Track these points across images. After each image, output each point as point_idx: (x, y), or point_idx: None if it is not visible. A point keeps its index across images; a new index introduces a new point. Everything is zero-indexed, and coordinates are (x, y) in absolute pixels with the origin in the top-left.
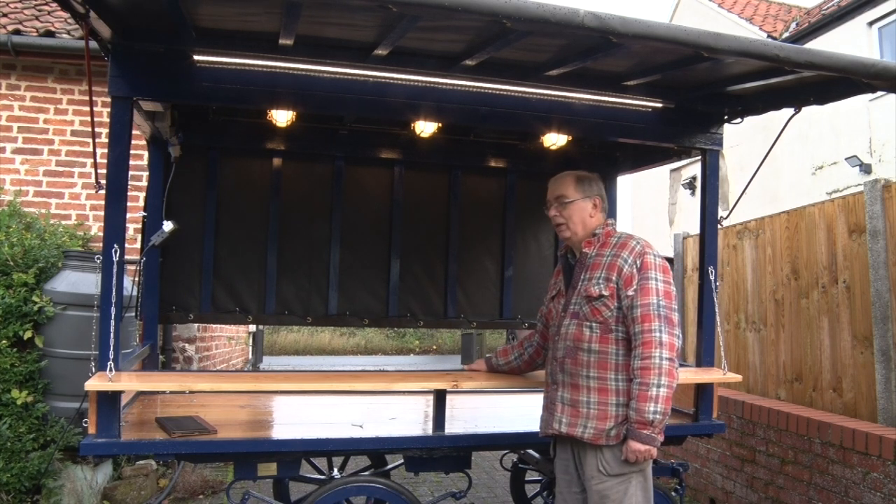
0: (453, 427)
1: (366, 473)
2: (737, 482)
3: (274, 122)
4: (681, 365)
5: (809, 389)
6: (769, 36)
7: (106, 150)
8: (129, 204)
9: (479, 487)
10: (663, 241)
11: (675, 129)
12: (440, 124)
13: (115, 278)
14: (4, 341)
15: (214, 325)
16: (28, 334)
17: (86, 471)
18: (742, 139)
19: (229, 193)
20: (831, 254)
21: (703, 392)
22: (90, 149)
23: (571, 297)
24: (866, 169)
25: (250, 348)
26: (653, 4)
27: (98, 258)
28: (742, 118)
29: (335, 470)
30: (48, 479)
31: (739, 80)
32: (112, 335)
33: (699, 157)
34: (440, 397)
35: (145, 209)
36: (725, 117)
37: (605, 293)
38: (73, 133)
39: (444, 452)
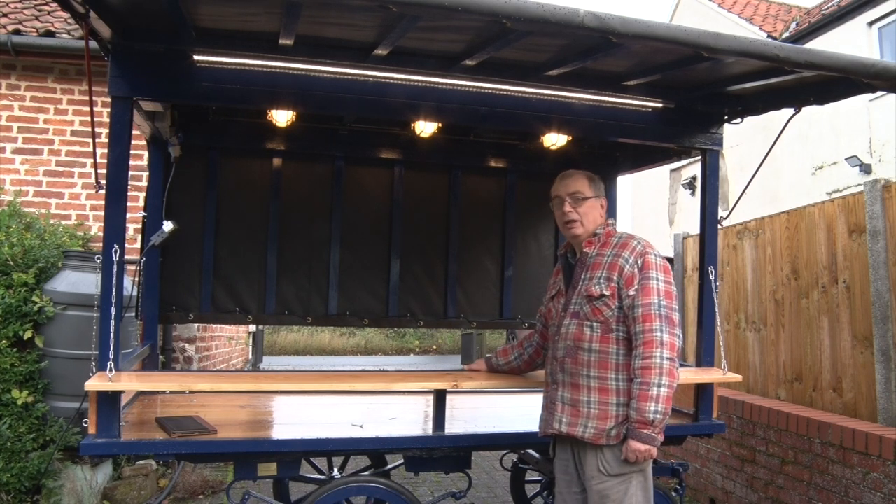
0: (453, 427)
1: (366, 473)
2: (737, 482)
3: (274, 122)
4: (681, 365)
5: (809, 389)
6: (769, 36)
7: (106, 150)
8: (129, 204)
9: (479, 487)
10: (663, 241)
11: (675, 129)
12: (440, 124)
13: (115, 278)
14: (4, 341)
15: (214, 325)
16: (28, 334)
17: (86, 471)
18: (742, 139)
19: (229, 193)
20: (831, 254)
21: (703, 392)
22: (90, 149)
23: (572, 296)
24: (866, 169)
25: (250, 348)
26: (653, 4)
27: (98, 258)
28: (742, 118)
29: (335, 470)
30: (48, 479)
31: (739, 80)
32: (112, 335)
33: (699, 157)
34: (440, 397)
35: (145, 209)
36: (725, 117)
37: (607, 293)
38: (73, 133)
39: (444, 452)
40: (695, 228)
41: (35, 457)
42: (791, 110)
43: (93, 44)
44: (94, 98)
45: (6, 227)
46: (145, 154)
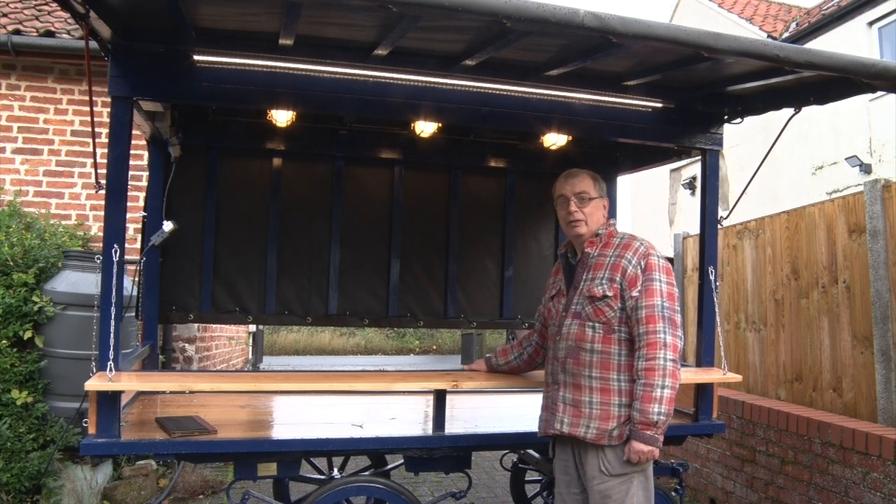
0: (453, 427)
1: (366, 473)
2: (737, 482)
3: (274, 122)
4: (681, 365)
5: (809, 389)
6: (769, 36)
7: (106, 150)
8: (129, 204)
9: (479, 487)
10: (663, 241)
11: (675, 129)
12: (440, 124)
13: (115, 278)
14: (4, 341)
15: (214, 325)
16: (28, 334)
17: (86, 471)
18: (742, 139)
19: (229, 193)
20: (831, 254)
21: (703, 392)
22: (90, 149)
23: (573, 296)
24: (866, 169)
25: (250, 348)
26: (653, 4)
27: (98, 258)
28: (742, 118)
29: (335, 470)
30: (48, 479)
31: (739, 80)
32: (112, 335)
33: (699, 157)
34: (440, 397)
35: (145, 209)
36: (725, 117)
37: (609, 294)
38: (73, 133)
39: (444, 452)
40: (695, 228)
41: (35, 457)
42: (791, 110)
43: (93, 44)
44: (94, 98)
45: (6, 227)
46: (145, 154)
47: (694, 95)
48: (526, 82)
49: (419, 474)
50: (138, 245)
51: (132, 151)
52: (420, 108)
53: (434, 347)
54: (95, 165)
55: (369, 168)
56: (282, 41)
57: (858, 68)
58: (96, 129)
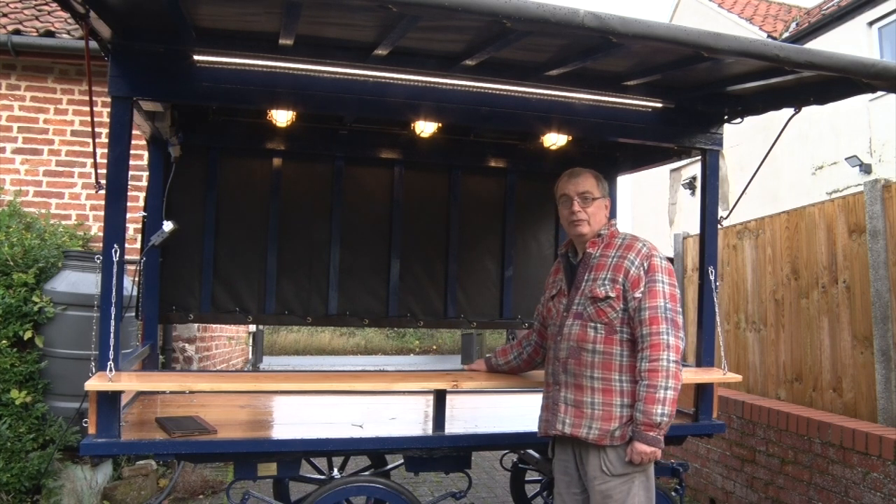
0: (453, 427)
1: (366, 473)
2: (737, 482)
3: (274, 122)
4: (682, 366)
5: (809, 389)
6: (769, 36)
7: (106, 150)
8: (129, 204)
9: (479, 487)
10: (663, 241)
11: (675, 129)
12: (440, 124)
13: (115, 278)
14: (4, 341)
15: (214, 325)
16: (28, 334)
17: (86, 471)
18: (742, 139)
19: (229, 193)
20: (831, 254)
21: (703, 392)
22: (90, 149)
23: (574, 297)
24: (866, 169)
25: (250, 348)
26: (653, 4)
27: (98, 258)
28: (742, 118)
29: (335, 470)
30: (48, 479)
31: (739, 80)
32: (112, 335)
33: (699, 157)
34: (440, 397)
35: (145, 209)
36: (725, 117)
37: (612, 294)
38: (73, 133)
39: (444, 452)
40: (695, 228)
41: (35, 457)
42: (791, 110)
43: (93, 44)
44: (94, 98)
45: (6, 227)
46: (145, 154)
47: (694, 95)
48: (526, 82)
49: (419, 474)
50: (138, 245)
51: (132, 151)
52: (420, 108)
53: (434, 347)
54: (95, 165)
55: (369, 168)
56: (282, 41)
57: (858, 68)
58: (96, 129)
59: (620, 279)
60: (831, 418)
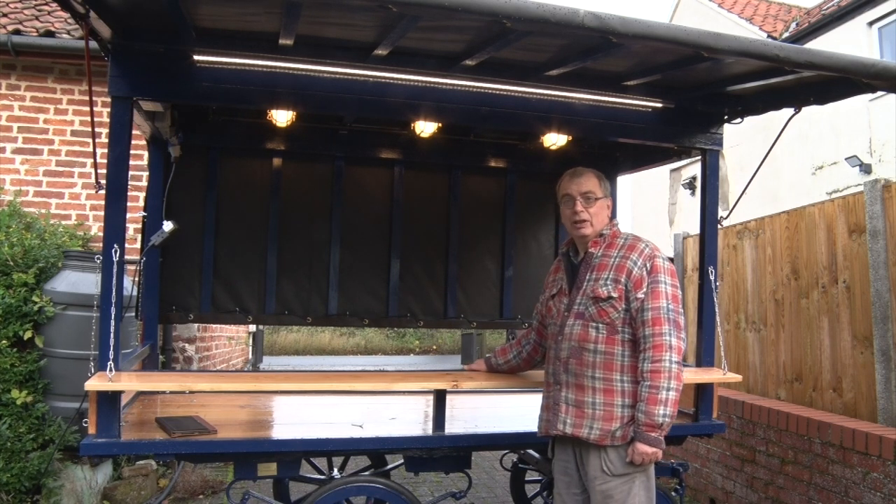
0: (453, 427)
1: (366, 473)
2: (737, 482)
3: (274, 122)
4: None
5: (809, 389)
6: (769, 36)
7: (106, 150)
8: (129, 204)
9: (479, 487)
10: (663, 241)
11: (675, 129)
12: (440, 124)
13: (115, 278)
14: (4, 341)
15: (214, 325)
16: (28, 334)
17: (86, 471)
18: (742, 139)
19: (229, 193)
20: (831, 254)
21: (703, 392)
22: (90, 149)
23: (576, 296)
24: (866, 169)
25: (250, 348)
26: (653, 4)
27: (98, 258)
28: (742, 118)
29: (335, 470)
30: (48, 479)
31: (739, 80)
32: (112, 335)
33: (699, 157)
34: (440, 397)
35: (145, 209)
36: (725, 117)
37: (614, 295)
38: (73, 133)
39: (444, 452)
40: (695, 228)
41: (35, 457)
42: (791, 110)
43: (93, 44)
44: (94, 98)
45: (6, 227)
46: (145, 154)
47: (694, 95)
48: (526, 82)
49: (419, 474)
50: (138, 245)
51: (132, 151)
52: (420, 108)
53: (434, 347)
54: (95, 165)
55: (369, 168)
56: (282, 41)
57: (858, 68)
58: (96, 129)
59: (623, 279)
60: (831, 418)
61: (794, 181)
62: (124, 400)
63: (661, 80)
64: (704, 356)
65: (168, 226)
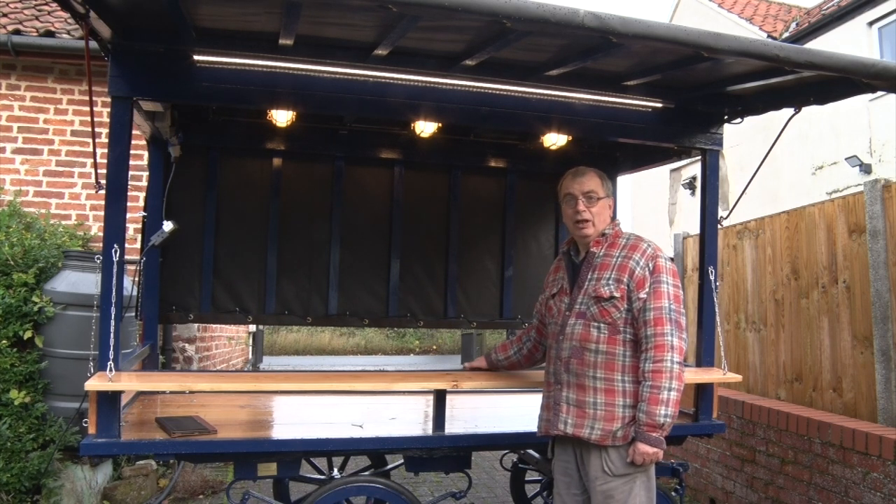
0: (453, 427)
1: (366, 473)
2: (737, 482)
3: (274, 122)
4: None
5: (809, 389)
6: (769, 36)
7: (106, 150)
8: (129, 204)
9: (479, 487)
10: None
11: (675, 129)
12: (440, 124)
13: (115, 278)
14: (4, 341)
15: (214, 325)
16: (28, 334)
17: (86, 471)
18: (742, 139)
19: (229, 193)
20: (831, 254)
21: (703, 392)
22: (90, 149)
23: (577, 296)
24: (866, 169)
25: (250, 348)
26: (653, 4)
27: (98, 258)
28: (742, 118)
29: (335, 470)
30: (48, 479)
31: (739, 80)
32: (112, 335)
33: (699, 157)
34: (440, 397)
35: (145, 209)
36: (725, 117)
37: (616, 294)
38: (73, 133)
39: (444, 452)
40: (695, 228)
41: (35, 457)
42: (791, 110)
43: (93, 44)
44: (94, 98)
45: (6, 227)
46: (145, 154)
47: (694, 95)
48: (526, 82)
49: (419, 474)
50: (138, 245)
51: (132, 151)
52: (420, 108)
53: (434, 347)
54: (95, 165)
55: (369, 168)
56: (282, 41)
57: (858, 68)
58: (96, 129)
59: (625, 279)
60: (831, 418)
61: (794, 181)
62: (124, 400)
63: (661, 80)
64: (704, 356)
65: (168, 226)
